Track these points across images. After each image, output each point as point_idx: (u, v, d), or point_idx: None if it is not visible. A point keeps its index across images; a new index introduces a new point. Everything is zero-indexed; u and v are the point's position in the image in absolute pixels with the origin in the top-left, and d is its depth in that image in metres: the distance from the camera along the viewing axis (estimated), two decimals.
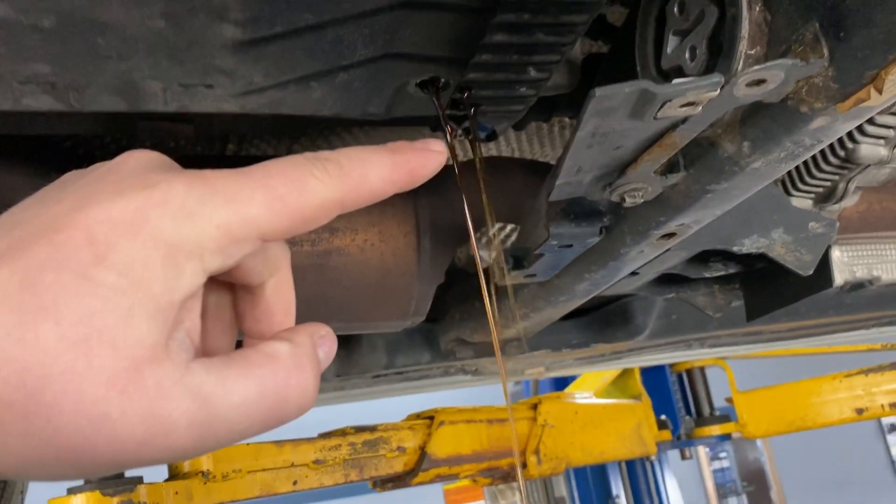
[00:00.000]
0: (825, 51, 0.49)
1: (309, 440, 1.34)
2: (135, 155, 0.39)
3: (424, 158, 0.45)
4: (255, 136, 1.01)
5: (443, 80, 0.65)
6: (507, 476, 1.76)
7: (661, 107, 0.49)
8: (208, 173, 0.37)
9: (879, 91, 0.49)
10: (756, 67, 0.48)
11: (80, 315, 0.33)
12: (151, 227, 0.35)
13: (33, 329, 0.32)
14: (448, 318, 1.24)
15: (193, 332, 0.38)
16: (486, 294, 0.72)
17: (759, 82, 0.50)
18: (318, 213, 0.39)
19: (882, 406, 2.49)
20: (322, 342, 0.42)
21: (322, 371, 0.41)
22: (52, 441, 0.33)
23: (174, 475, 1.15)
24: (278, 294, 0.44)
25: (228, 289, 0.45)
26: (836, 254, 1.26)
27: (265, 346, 0.39)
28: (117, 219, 0.35)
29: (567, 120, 1.12)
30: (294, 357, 0.39)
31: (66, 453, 0.33)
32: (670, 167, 0.64)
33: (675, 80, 0.47)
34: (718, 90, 0.48)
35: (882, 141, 0.87)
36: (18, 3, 0.44)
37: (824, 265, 0.92)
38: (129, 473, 1.07)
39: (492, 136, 0.70)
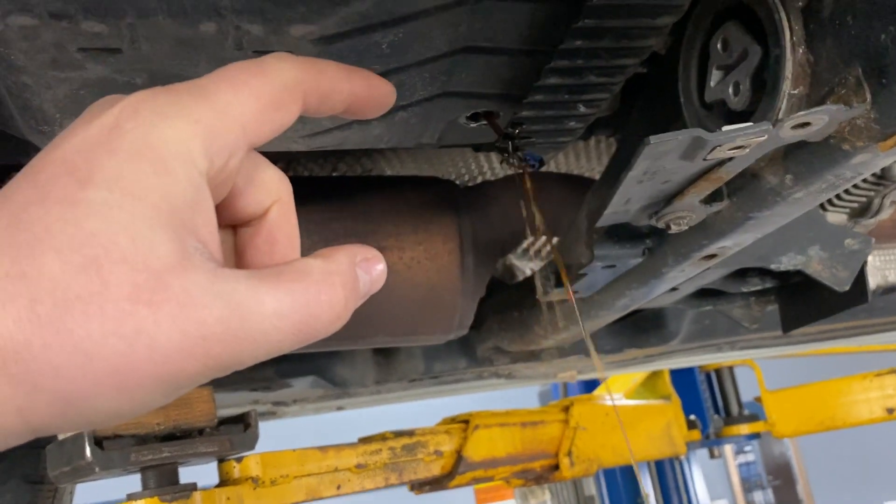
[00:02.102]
0: (868, 95, 0.51)
1: (351, 445, 1.38)
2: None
3: (379, 79, 0.45)
4: (302, 156, 1.05)
5: (495, 112, 0.68)
6: (541, 478, 1.79)
7: (712, 150, 0.52)
8: (171, 85, 0.37)
9: None
10: (802, 113, 0.51)
11: (80, 238, 0.32)
12: (129, 137, 0.34)
13: (32, 263, 0.31)
14: (486, 327, 1.27)
15: (212, 246, 0.36)
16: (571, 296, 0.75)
17: (804, 125, 0.52)
18: (283, 94, 0.38)
19: None
20: (366, 265, 0.40)
21: (367, 294, 0.40)
22: (88, 369, 0.31)
23: (225, 481, 1.20)
24: (280, 222, 0.42)
25: (231, 231, 0.43)
26: (868, 259, 1.28)
27: (297, 262, 0.38)
28: (93, 140, 0.34)
29: (604, 138, 1.14)
30: (325, 274, 0.37)
31: (108, 378, 0.32)
32: (714, 196, 0.67)
33: (726, 127, 0.50)
34: (767, 135, 0.51)
35: None
36: (116, 64, 0.48)
37: (860, 280, 0.94)
38: (182, 480, 1.11)
39: (540, 165, 0.73)
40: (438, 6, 0.51)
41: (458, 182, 1.18)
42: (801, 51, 0.56)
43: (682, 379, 2.87)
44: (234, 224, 0.42)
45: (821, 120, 0.52)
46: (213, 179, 0.36)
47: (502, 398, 3.04)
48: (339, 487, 1.31)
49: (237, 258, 0.43)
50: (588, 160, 1.25)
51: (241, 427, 1.12)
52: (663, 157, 0.52)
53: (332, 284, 0.37)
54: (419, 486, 1.56)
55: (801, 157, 0.60)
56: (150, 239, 0.32)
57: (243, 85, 0.37)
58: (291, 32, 0.48)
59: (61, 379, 0.31)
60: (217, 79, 0.37)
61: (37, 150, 0.60)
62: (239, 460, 1.21)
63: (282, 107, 0.39)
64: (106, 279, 0.31)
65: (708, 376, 3.03)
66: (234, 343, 0.33)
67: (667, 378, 2.63)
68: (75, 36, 0.45)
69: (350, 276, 0.38)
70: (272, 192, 0.41)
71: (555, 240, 1.27)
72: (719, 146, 0.51)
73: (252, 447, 1.13)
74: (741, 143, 0.51)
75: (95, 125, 0.34)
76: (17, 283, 0.31)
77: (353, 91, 0.43)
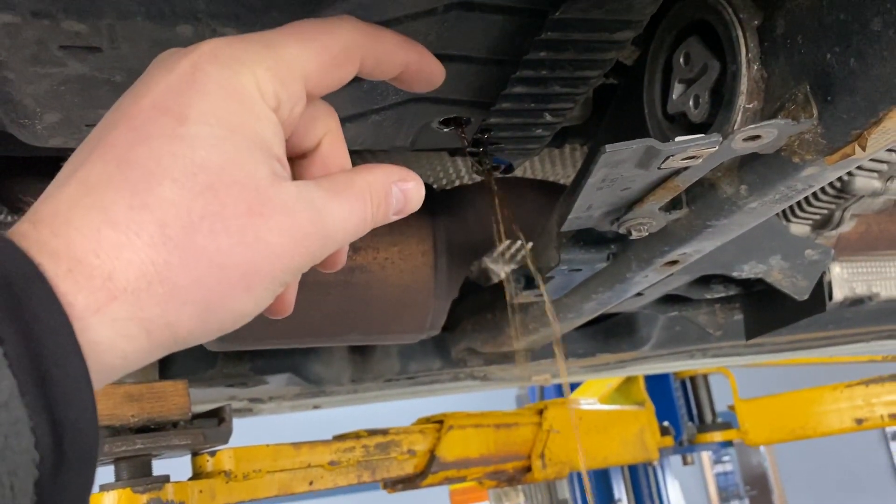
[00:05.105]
0: (815, 111, 0.54)
1: (324, 442, 1.40)
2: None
3: (431, 56, 0.49)
4: None
5: (465, 118, 0.70)
6: (513, 479, 1.82)
7: (665, 160, 0.54)
8: (241, 35, 0.41)
9: (863, 148, 0.54)
10: (752, 126, 0.54)
11: (193, 167, 0.35)
12: (214, 78, 0.37)
13: (151, 193, 0.35)
14: (460, 328, 1.29)
15: (288, 168, 0.41)
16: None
17: (755, 137, 0.55)
18: (343, 53, 0.43)
19: (881, 416, 2.53)
20: (401, 184, 0.45)
21: (400, 211, 0.45)
22: (223, 276, 0.36)
23: (198, 474, 1.21)
24: (331, 150, 0.46)
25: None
26: (836, 270, 1.31)
27: (344, 175, 0.43)
28: (179, 84, 0.37)
29: (578, 145, 1.17)
30: (366, 185, 0.42)
31: (238, 282, 0.36)
32: (674, 204, 0.69)
33: (678, 138, 0.52)
34: (717, 146, 0.53)
35: (876, 174, 0.92)
36: (96, 63, 0.50)
37: (819, 290, 0.97)
38: (156, 472, 1.12)
39: (509, 170, 0.76)
40: (409, 15, 0.53)
41: (434, 185, 1.20)
42: (755, 67, 0.59)
43: (657, 385, 2.90)
44: (292, 157, 0.46)
45: (770, 133, 0.55)
46: (283, 122, 0.41)
47: (481, 400, 3.06)
48: (311, 483, 1.32)
49: None
50: (563, 167, 1.28)
51: (216, 421, 1.14)
52: (620, 165, 0.55)
53: (368, 196, 0.42)
54: (392, 485, 1.58)
55: (755, 169, 0.62)
56: (250, 163, 0.37)
57: (310, 41, 0.41)
58: None
59: (202, 289, 0.36)
60: (287, 33, 0.41)
61: (16, 141, 0.62)
62: (212, 454, 1.22)
63: (341, 65, 0.43)
64: (223, 200, 0.36)
65: (683, 383, 3.07)
66: (323, 239, 0.40)
67: (641, 384, 2.66)
68: (56, 34, 0.47)
69: (381, 195, 0.43)
70: (324, 125, 0.46)
71: (529, 244, 1.30)
72: (672, 156, 0.53)
73: (226, 441, 1.14)
74: (693, 153, 0.53)
75: (176, 72, 0.38)
76: (143, 213, 0.35)
77: (406, 61, 0.47)
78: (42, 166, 0.83)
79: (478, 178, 1.22)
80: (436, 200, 1.05)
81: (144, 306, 0.34)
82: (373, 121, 0.67)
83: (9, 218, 1.00)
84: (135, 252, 0.34)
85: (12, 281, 0.31)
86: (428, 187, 1.10)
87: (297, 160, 0.46)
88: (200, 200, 0.35)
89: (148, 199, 0.35)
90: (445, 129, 0.73)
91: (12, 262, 0.32)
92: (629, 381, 2.75)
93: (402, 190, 0.45)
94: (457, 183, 1.24)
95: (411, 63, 0.47)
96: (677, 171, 0.59)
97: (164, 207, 0.35)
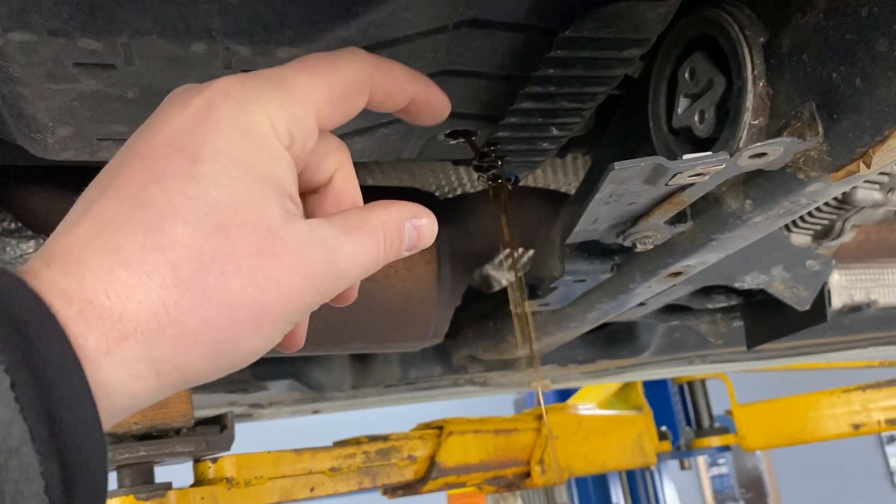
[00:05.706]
0: (820, 129, 0.55)
1: (325, 448, 1.40)
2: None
3: (438, 89, 0.50)
4: None
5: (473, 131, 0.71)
6: (512, 484, 1.82)
7: (673, 177, 0.55)
8: (253, 72, 0.41)
9: (868, 166, 0.55)
10: (758, 144, 0.54)
11: (205, 208, 0.35)
12: (227, 118, 0.37)
13: (164, 234, 0.35)
14: (461, 336, 1.30)
15: (300, 206, 0.41)
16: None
17: (761, 155, 0.56)
18: (353, 87, 0.43)
19: (878, 422, 2.54)
20: (414, 223, 0.45)
21: (413, 248, 0.45)
22: (233, 317, 0.36)
23: (200, 481, 1.21)
24: (343, 185, 0.46)
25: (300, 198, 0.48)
26: (835, 278, 1.32)
27: (358, 212, 0.43)
28: (192, 123, 0.37)
29: (580, 155, 1.17)
30: (381, 223, 0.43)
31: (248, 322, 0.36)
32: (678, 217, 0.70)
33: (686, 156, 0.53)
34: (725, 164, 0.54)
35: (877, 186, 0.92)
36: (109, 79, 0.50)
37: (820, 300, 0.98)
38: (158, 479, 1.13)
39: (515, 182, 0.76)
40: (420, 33, 0.54)
41: (437, 194, 1.21)
42: (761, 84, 0.59)
43: (655, 390, 2.91)
44: (304, 192, 0.46)
45: (777, 151, 0.55)
46: (295, 158, 0.41)
47: (478, 406, 3.06)
48: (312, 489, 1.33)
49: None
50: (565, 175, 1.28)
51: (218, 428, 1.14)
52: (628, 181, 0.55)
53: (377, 238, 0.42)
54: (392, 491, 1.58)
55: (760, 184, 0.63)
56: (262, 203, 0.37)
57: (320, 76, 0.42)
58: (278, 55, 0.50)
59: (212, 331, 0.36)
60: (297, 68, 0.42)
61: (26, 153, 0.62)
62: (214, 461, 1.23)
63: (351, 98, 0.43)
64: (234, 240, 0.36)
65: (681, 388, 3.07)
66: (334, 278, 0.39)
67: (639, 389, 2.66)
68: (72, 52, 0.47)
69: (395, 232, 0.44)
70: (335, 160, 0.46)
71: (531, 253, 1.30)
72: (680, 173, 0.54)
73: (228, 448, 1.15)
74: (700, 170, 0.54)
75: (189, 110, 0.38)
76: (155, 254, 0.35)
77: (414, 93, 0.48)
78: (49, 176, 0.84)
79: (480, 187, 1.22)
80: (439, 209, 1.05)
81: (154, 347, 0.35)
82: (381, 134, 0.67)
83: (12, 225, 1.00)
84: (146, 293, 0.34)
85: (24, 322, 0.31)
86: (431, 195, 1.10)
87: (309, 195, 0.46)
88: (212, 241, 0.36)
89: (161, 240, 0.35)
90: (452, 142, 0.73)
91: (24, 302, 0.32)
92: (628, 386, 2.75)
93: (416, 227, 0.45)
94: (459, 191, 1.24)
95: (418, 95, 0.48)
96: (684, 187, 0.60)
97: (177, 249, 0.35)
